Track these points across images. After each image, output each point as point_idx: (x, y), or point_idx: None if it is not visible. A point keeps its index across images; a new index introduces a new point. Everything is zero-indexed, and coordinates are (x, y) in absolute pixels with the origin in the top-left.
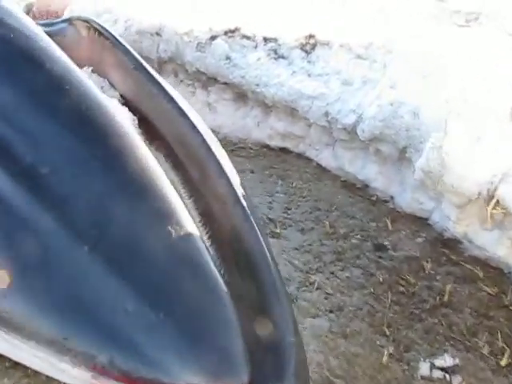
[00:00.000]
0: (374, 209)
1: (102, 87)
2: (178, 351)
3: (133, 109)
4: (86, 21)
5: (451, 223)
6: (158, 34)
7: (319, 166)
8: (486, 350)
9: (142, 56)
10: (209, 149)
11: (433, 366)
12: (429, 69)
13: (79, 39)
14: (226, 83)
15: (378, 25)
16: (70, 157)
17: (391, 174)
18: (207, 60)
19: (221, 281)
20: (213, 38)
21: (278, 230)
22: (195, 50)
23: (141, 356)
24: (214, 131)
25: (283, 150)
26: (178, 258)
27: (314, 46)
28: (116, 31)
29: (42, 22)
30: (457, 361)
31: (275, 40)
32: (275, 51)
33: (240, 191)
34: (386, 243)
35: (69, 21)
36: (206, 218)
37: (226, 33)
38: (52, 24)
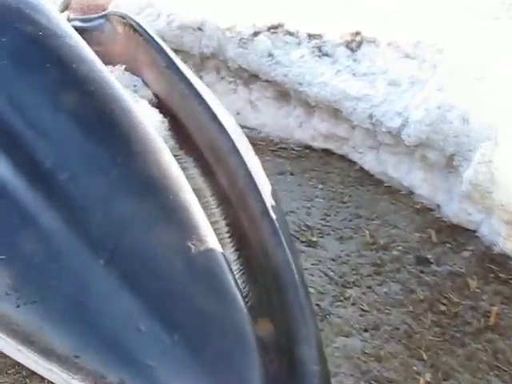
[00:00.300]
0: (417, 218)
1: (134, 86)
2: (193, 379)
3: (165, 109)
4: (122, 16)
5: (501, 239)
6: (199, 28)
7: (362, 169)
8: None
9: (183, 51)
10: (239, 156)
11: None
12: (481, 71)
13: (115, 35)
14: (268, 81)
15: (427, 21)
16: (89, 163)
17: (437, 181)
18: (249, 56)
19: (242, 303)
20: (256, 33)
21: (314, 239)
22: (237, 45)
23: (152, 381)
24: (255, 130)
25: (325, 151)
26: (196, 276)
27: (359, 44)
28: (158, 26)
29: (81, 17)
30: None
31: (319, 37)
32: (319, 48)
33: (270, 202)
34: (429, 256)
35: (106, 16)
36: (234, 229)
37: (269, 29)
38: (91, 20)
